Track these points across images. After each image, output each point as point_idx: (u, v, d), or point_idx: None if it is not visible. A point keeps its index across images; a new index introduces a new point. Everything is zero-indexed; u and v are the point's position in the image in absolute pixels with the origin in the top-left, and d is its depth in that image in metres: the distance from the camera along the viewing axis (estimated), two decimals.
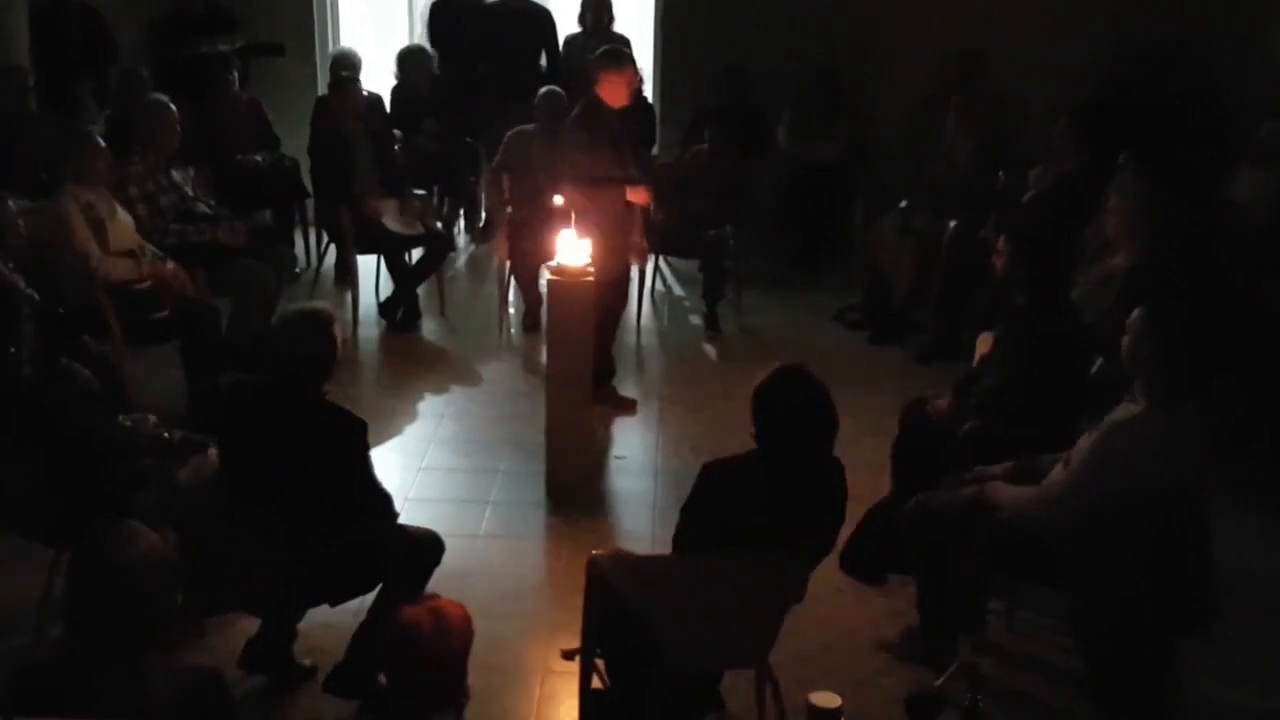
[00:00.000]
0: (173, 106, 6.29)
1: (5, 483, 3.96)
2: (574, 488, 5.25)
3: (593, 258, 5.32)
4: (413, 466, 5.50)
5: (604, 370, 6.03)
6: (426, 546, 3.87)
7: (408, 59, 8.38)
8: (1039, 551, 3.79)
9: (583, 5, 8.38)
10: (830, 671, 4.03)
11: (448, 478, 5.47)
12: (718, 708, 3.77)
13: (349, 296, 7.09)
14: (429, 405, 6.21)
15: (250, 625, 3.92)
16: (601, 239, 5.52)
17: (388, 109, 8.18)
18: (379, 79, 8.47)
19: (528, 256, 6.83)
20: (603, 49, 6.01)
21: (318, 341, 3.78)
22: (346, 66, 7.73)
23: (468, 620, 3.67)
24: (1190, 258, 5.41)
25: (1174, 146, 6.72)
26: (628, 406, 6.10)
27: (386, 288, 7.31)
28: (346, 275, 7.29)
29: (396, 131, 7.92)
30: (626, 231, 5.91)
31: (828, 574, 4.08)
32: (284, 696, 3.88)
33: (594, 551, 3.74)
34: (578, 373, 5.23)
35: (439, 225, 7.79)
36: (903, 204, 7.24)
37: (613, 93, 5.72)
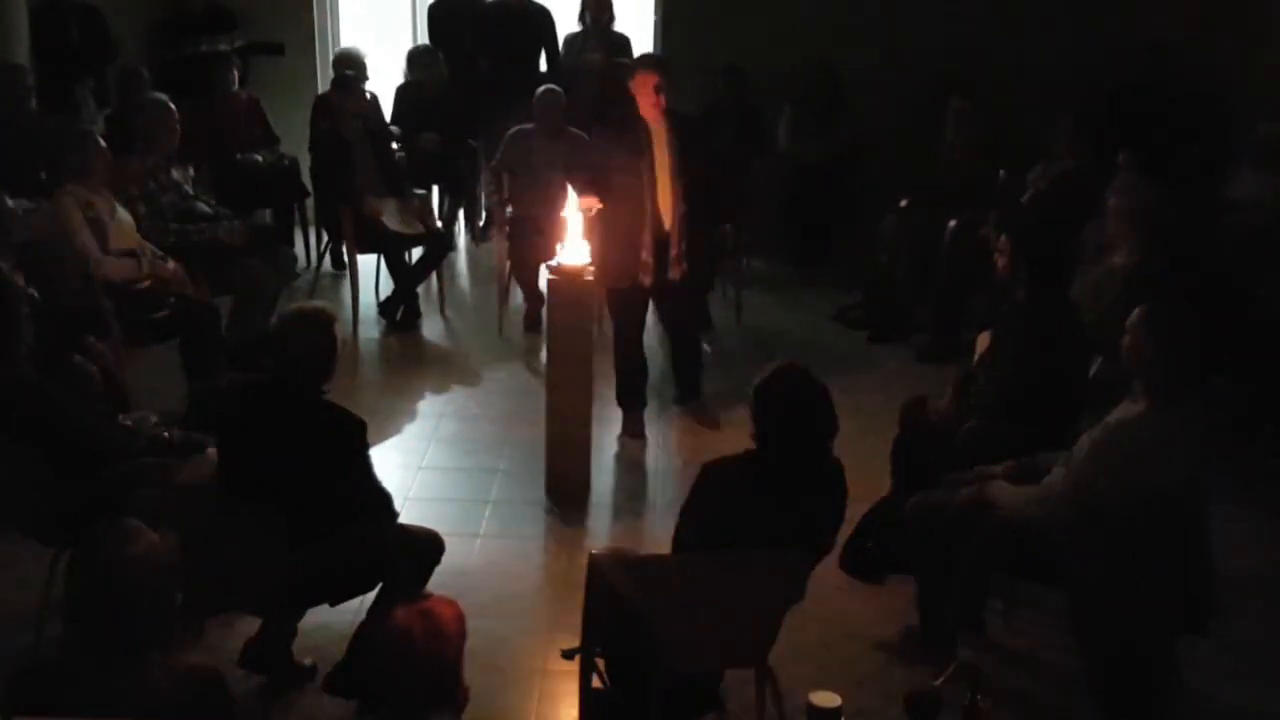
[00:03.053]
0: (173, 106, 6.30)
1: (6, 482, 3.96)
2: (574, 488, 5.25)
3: (594, 260, 5.29)
4: (413, 466, 5.50)
5: (629, 388, 5.90)
6: (426, 546, 3.88)
7: (417, 59, 8.38)
8: (1039, 551, 3.79)
9: (583, 4, 8.37)
10: (830, 671, 4.02)
11: (448, 477, 5.47)
12: (718, 708, 3.77)
13: (349, 296, 7.09)
14: (429, 405, 6.22)
15: (250, 625, 3.92)
16: (600, 243, 5.45)
17: (392, 108, 8.20)
18: (380, 80, 8.46)
19: (528, 256, 6.83)
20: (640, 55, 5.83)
21: (318, 341, 3.78)
22: (351, 65, 7.73)
23: (461, 619, 3.64)
24: (1190, 257, 5.42)
25: (1174, 146, 6.73)
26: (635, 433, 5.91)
27: (386, 287, 7.31)
28: (346, 275, 7.29)
29: (394, 128, 7.92)
30: (634, 244, 5.57)
31: (828, 574, 4.07)
32: (284, 696, 3.88)
33: (594, 551, 3.74)
34: (578, 372, 5.22)
35: (439, 224, 7.80)
36: (903, 204, 7.24)
37: (640, 94, 5.55)
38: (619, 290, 5.74)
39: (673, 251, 5.60)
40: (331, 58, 8.26)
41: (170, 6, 8.11)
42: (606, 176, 5.55)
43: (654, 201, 5.56)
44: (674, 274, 5.61)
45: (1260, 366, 5.43)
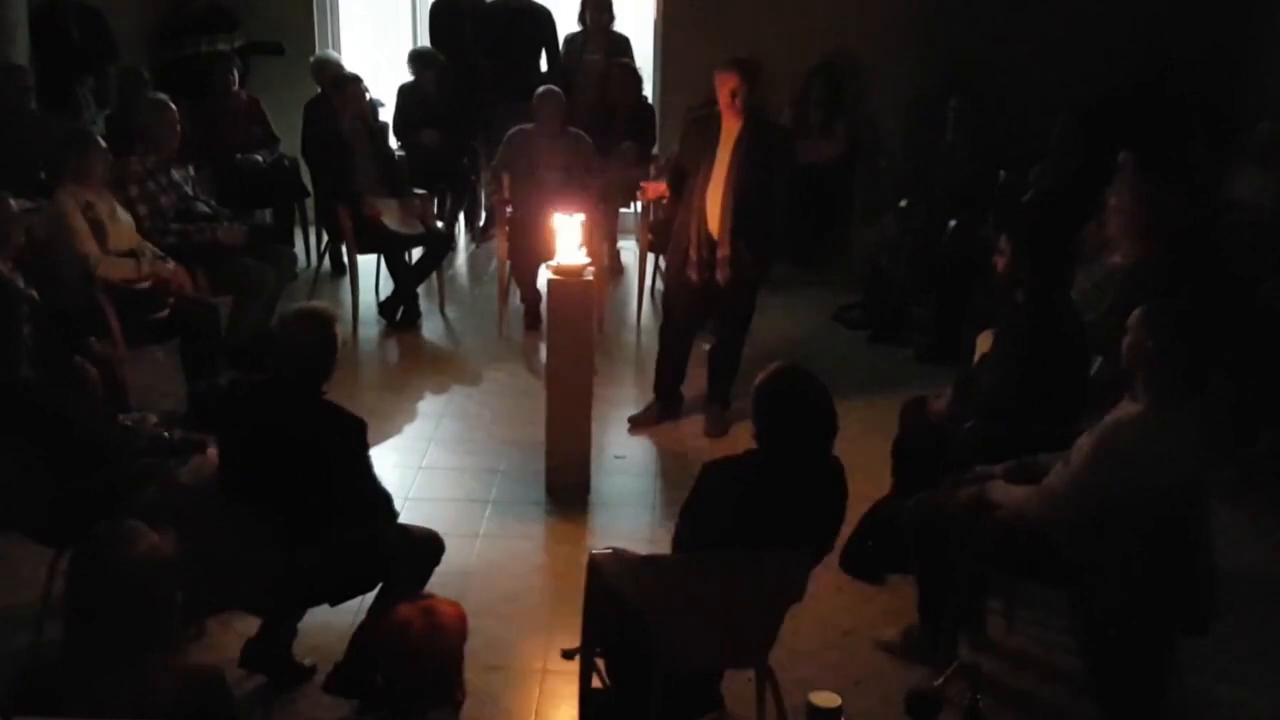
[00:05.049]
0: (173, 106, 6.29)
1: (6, 482, 3.96)
2: (574, 488, 5.25)
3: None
4: (413, 466, 5.50)
5: (667, 394, 5.95)
6: (426, 546, 3.88)
7: (417, 59, 8.37)
8: (1039, 551, 3.79)
9: (582, 4, 8.37)
10: (830, 671, 4.03)
11: (448, 477, 5.46)
12: (718, 708, 3.77)
13: (349, 296, 7.09)
14: (429, 405, 6.22)
15: (250, 625, 3.92)
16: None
17: (394, 108, 8.19)
18: (380, 80, 8.46)
19: (527, 256, 6.83)
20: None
21: (318, 341, 3.78)
22: (337, 67, 7.74)
23: (462, 618, 3.66)
24: (1190, 257, 5.42)
25: (1174, 146, 6.73)
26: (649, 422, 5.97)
27: (386, 287, 7.32)
28: (346, 275, 7.29)
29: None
30: (687, 239, 5.67)
31: (828, 574, 4.08)
32: (284, 696, 3.88)
33: (594, 551, 3.74)
34: (578, 372, 5.22)
35: (439, 224, 7.80)
36: (902, 204, 7.24)
37: (720, 94, 5.50)
38: (671, 281, 5.94)
39: (719, 253, 5.58)
40: (316, 63, 8.22)
41: (170, 6, 8.11)
42: (685, 169, 5.72)
43: (702, 199, 5.58)
44: (719, 276, 5.60)
45: (1260, 366, 5.42)
